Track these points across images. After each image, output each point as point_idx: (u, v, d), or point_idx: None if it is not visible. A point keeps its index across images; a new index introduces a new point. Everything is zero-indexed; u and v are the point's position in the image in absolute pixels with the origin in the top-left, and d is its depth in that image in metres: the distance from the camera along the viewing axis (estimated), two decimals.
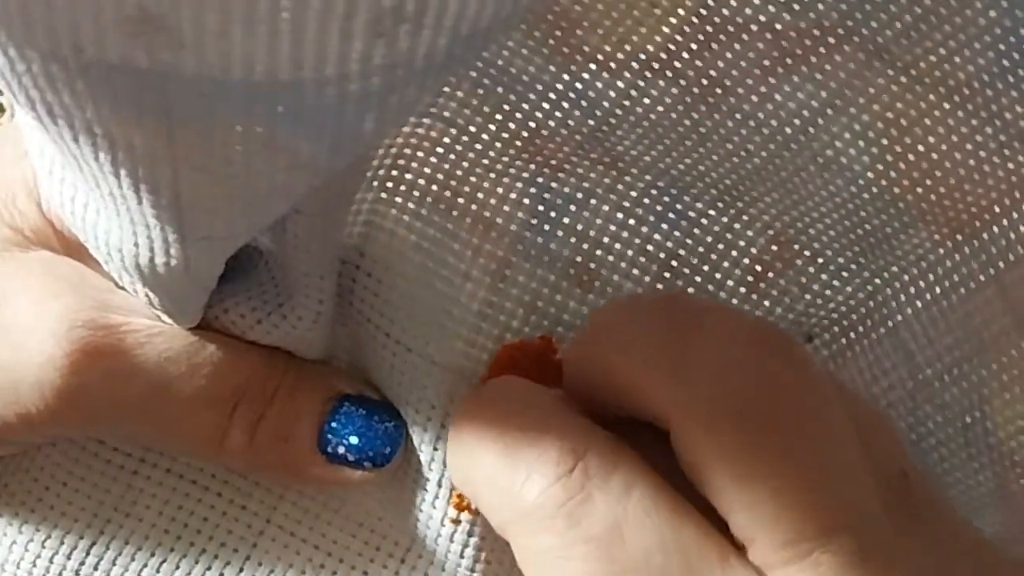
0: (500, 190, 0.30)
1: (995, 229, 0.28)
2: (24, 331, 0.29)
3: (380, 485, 0.33)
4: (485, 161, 0.29)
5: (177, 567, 0.33)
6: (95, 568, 0.33)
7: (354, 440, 0.31)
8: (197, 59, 0.17)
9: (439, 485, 0.32)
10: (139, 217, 0.23)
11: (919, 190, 0.28)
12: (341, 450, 0.31)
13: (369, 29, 0.17)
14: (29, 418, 0.29)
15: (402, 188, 0.30)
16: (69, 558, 0.33)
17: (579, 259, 0.30)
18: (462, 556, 0.32)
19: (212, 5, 0.16)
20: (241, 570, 0.34)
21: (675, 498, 0.25)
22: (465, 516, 0.32)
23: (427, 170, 0.30)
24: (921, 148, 0.27)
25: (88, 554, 0.33)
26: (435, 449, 0.32)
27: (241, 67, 0.18)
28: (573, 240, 0.30)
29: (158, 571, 0.33)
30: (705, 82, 0.26)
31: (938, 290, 0.30)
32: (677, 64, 0.26)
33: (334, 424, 0.31)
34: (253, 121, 0.19)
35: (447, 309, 0.31)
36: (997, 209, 0.28)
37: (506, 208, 0.30)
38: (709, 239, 0.30)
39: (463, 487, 0.29)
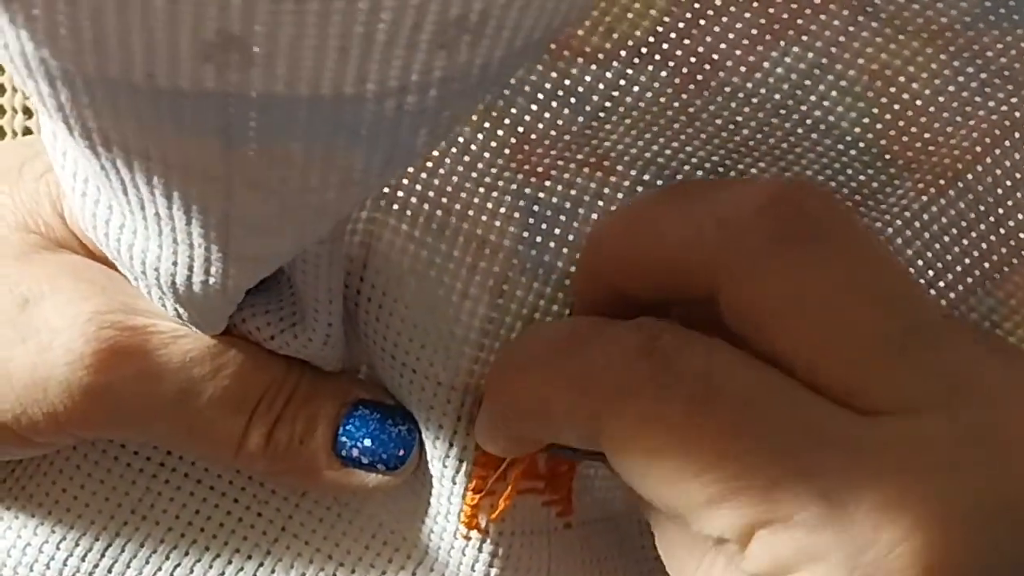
0: (490, 205, 0.30)
1: (979, 168, 0.29)
2: (52, 331, 0.29)
3: (394, 497, 0.34)
4: (475, 174, 0.29)
5: (191, 571, 0.33)
6: (109, 571, 0.33)
7: (368, 443, 0.32)
8: (266, 76, 0.17)
9: (450, 501, 0.32)
10: (184, 237, 0.23)
11: (904, 139, 0.28)
12: (355, 453, 0.32)
13: (434, 40, 0.18)
14: (56, 417, 0.29)
15: (394, 208, 0.30)
16: (84, 560, 0.33)
17: (574, 269, 0.31)
18: (473, 570, 0.33)
19: (287, 20, 0.16)
20: None
21: (757, 360, 0.25)
22: (475, 534, 0.32)
23: (418, 187, 0.30)
24: (906, 96, 0.27)
25: (103, 556, 0.33)
26: (444, 467, 0.32)
27: (308, 82, 0.18)
28: (566, 251, 0.30)
29: (172, 574, 0.33)
30: (693, 61, 0.27)
31: (927, 235, 0.31)
32: (665, 47, 0.27)
33: (349, 427, 0.32)
34: (313, 137, 0.19)
35: (449, 329, 0.31)
36: (979, 149, 0.29)
37: (498, 224, 0.30)
38: None
39: (532, 416, 0.28)
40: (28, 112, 0.43)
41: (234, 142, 0.19)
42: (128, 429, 0.31)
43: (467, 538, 0.32)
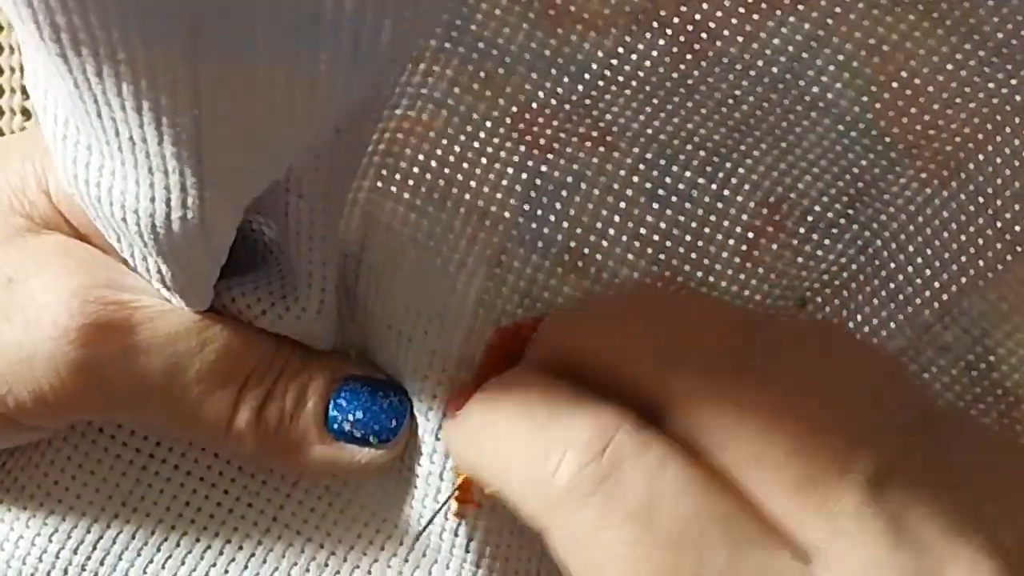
0: (492, 177, 0.30)
1: (980, 157, 0.29)
2: (39, 308, 0.29)
3: (384, 485, 0.34)
4: (476, 144, 0.30)
5: (183, 562, 0.33)
6: (101, 562, 0.33)
7: (359, 415, 0.32)
8: None
9: (441, 479, 0.32)
10: (158, 162, 0.23)
11: (904, 120, 0.28)
12: (347, 426, 0.32)
13: None
14: (43, 397, 0.29)
15: (396, 177, 0.30)
16: (76, 552, 0.33)
17: (572, 244, 0.31)
18: (467, 550, 0.32)
19: None
20: (246, 566, 0.34)
21: (708, 474, 0.26)
22: (467, 510, 0.32)
23: (420, 157, 0.30)
24: (904, 75, 0.27)
25: (95, 548, 0.33)
26: (437, 439, 0.32)
27: None
28: (566, 226, 0.30)
29: (164, 565, 0.33)
30: (691, 28, 0.27)
31: (929, 231, 0.30)
32: (662, 13, 0.27)
33: (340, 401, 0.32)
34: (276, 34, 0.19)
35: (445, 299, 0.31)
36: (980, 136, 0.29)
37: (499, 196, 0.30)
38: (700, 212, 0.30)
39: (484, 472, 0.29)
40: (27, 113, 0.44)
41: (200, 41, 0.19)
42: (115, 407, 0.31)
43: (458, 515, 0.32)
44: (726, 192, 0.30)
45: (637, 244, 0.31)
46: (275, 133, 0.22)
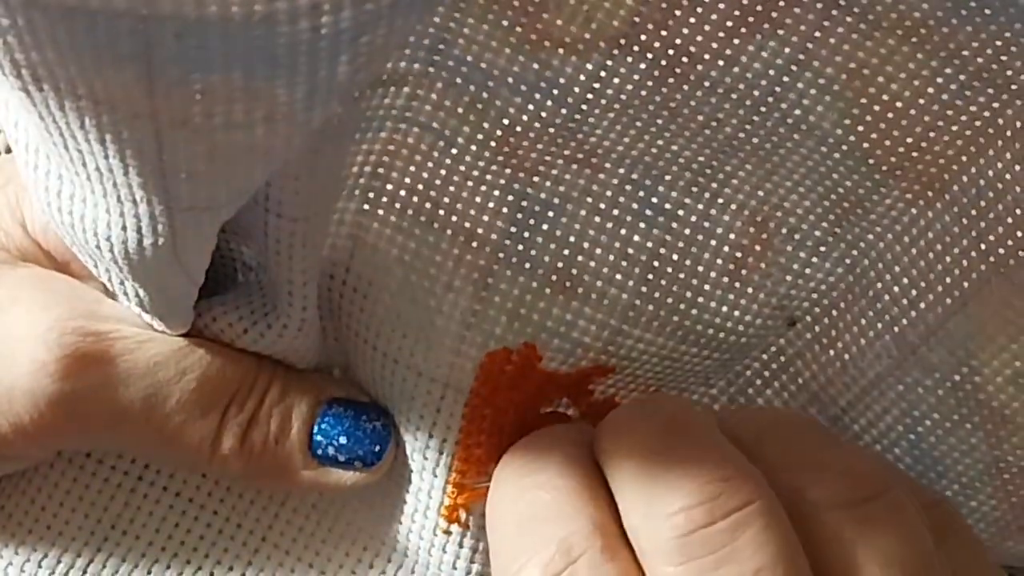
0: (479, 199, 0.30)
1: (964, 179, 0.29)
2: (16, 341, 0.29)
3: (371, 501, 0.34)
4: (462, 167, 0.30)
5: None
6: None
7: (343, 440, 0.32)
8: None
9: (430, 496, 0.32)
10: (126, 192, 0.24)
11: (887, 143, 0.28)
12: (331, 451, 0.32)
13: None
14: (23, 428, 0.29)
15: (383, 200, 0.30)
16: None
17: (560, 265, 0.31)
18: (455, 567, 0.32)
19: None
20: None
21: None
22: (455, 528, 0.32)
23: (407, 180, 0.30)
24: (885, 98, 0.28)
25: (85, 573, 0.33)
26: (425, 459, 0.32)
27: (217, 1, 0.18)
28: (553, 247, 0.31)
29: None
30: (671, 52, 0.27)
31: (914, 251, 0.30)
32: (643, 37, 0.27)
33: (323, 426, 0.32)
34: (231, 64, 0.19)
35: (431, 320, 0.31)
36: (963, 158, 0.29)
37: (485, 218, 0.30)
38: (687, 231, 0.31)
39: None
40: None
41: (154, 71, 0.19)
42: (98, 438, 0.31)
43: (447, 532, 0.32)
44: (712, 212, 0.30)
45: (624, 264, 0.31)
46: (239, 160, 0.23)
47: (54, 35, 0.19)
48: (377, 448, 0.32)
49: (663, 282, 0.31)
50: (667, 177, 0.30)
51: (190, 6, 0.18)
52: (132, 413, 0.30)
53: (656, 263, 0.31)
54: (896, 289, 0.31)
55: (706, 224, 0.31)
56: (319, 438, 0.32)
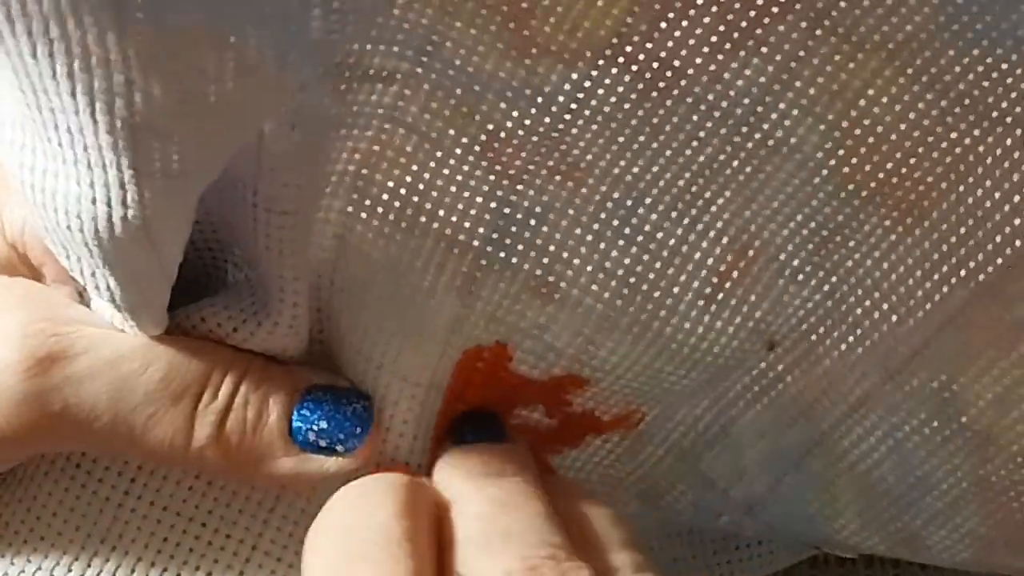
0: (461, 205, 0.30)
1: (944, 206, 0.29)
2: None
3: None
4: (446, 171, 0.30)
5: None
6: None
7: (324, 424, 0.32)
8: None
9: None
10: (96, 156, 0.24)
11: (867, 168, 0.28)
12: (312, 436, 0.31)
13: None
14: None
15: (367, 203, 0.30)
16: None
17: (539, 272, 0.31)
18: None
19: None
20: None
21: None
22: None
23: (391, 183, 0.30)
24: (867, 121, 0.28)
25: None
26: (407, 464, 0.32)
27: None
28: (533, 255, 0.31)
29: None
30: (656, 65, 0.27)
31: (894, 277, 0.30)
32: (628, 50, 0.27)
33: (303, 412, 0.32)
34: (199, 6, 0.19)
35: (415, 326, 0.31)
36: (944, 185, 0.29)
37: (467, 225, 0.30)
38: (665, 254, 0.31)
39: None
40: None
41: (126, 16, 0.19)
42: (68, 437, 0.31)
43: None
44: (692, 236, 0.30)
45: (602, 276, 0.31)
46: (210, 115, 0.22)
47: None
48: (358, 429, 0.32)
49: (638, 298, 0.31)
50: (647, 200, 0.30)
51: None
52: (99, 409, 0.30)
53: (632, 279, 0.31)
54: (876, 314, 0.31)
55: (684, 249, 0.31)
56: (298, 424, 0.31)
